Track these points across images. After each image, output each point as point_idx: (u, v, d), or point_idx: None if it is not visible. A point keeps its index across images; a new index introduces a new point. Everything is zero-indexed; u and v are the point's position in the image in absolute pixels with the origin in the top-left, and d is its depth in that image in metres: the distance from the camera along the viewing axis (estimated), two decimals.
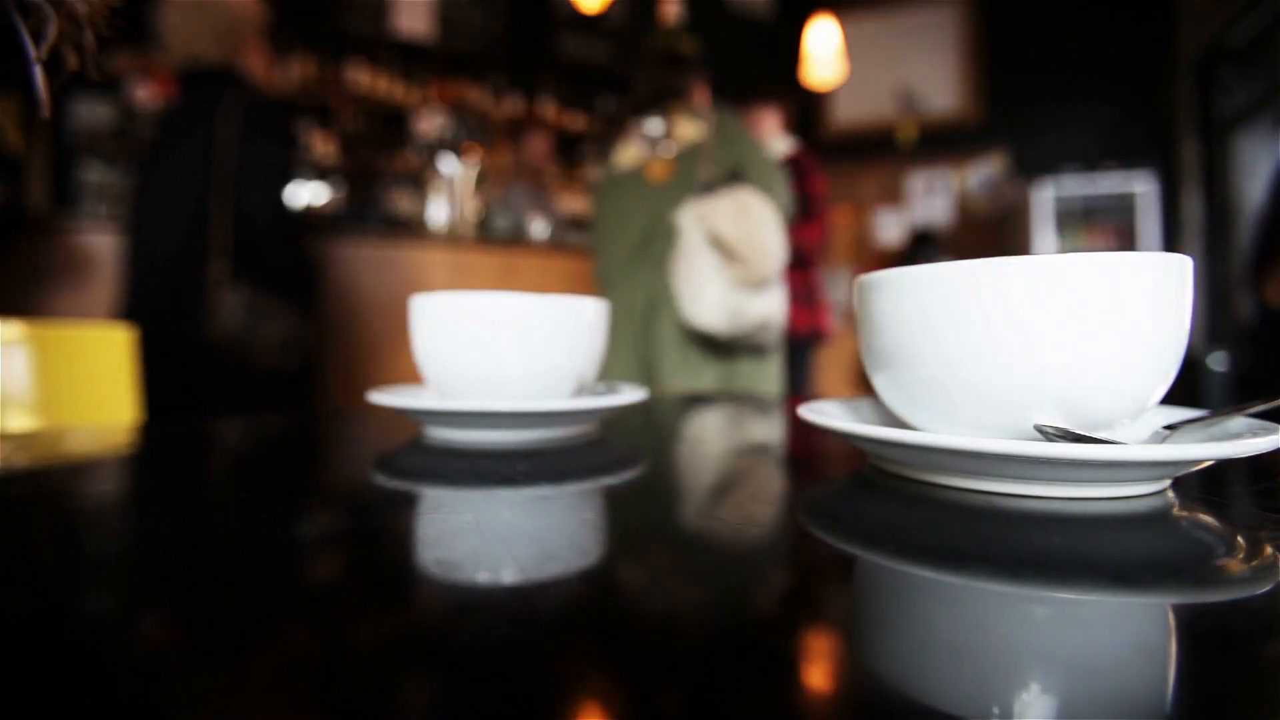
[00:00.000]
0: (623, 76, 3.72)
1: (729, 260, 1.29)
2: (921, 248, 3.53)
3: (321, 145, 3.12)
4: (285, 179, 1.42)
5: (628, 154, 1.42)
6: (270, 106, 1.40)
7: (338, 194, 3.09)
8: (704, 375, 1.39)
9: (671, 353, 1.37)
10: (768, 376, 1.46)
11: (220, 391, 1.34)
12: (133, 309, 1.32)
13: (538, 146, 2.84)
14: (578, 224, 3.11)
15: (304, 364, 1.46)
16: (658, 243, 1.39)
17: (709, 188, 1.37)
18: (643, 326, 1.39)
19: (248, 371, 1.33)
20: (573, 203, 3.28)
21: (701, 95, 1.48)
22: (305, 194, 2.86)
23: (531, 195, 2.69)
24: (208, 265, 1.28)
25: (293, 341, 1.37)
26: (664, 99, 1.44)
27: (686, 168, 1.39)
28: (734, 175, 1.37)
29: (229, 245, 1.30)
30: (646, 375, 1.40)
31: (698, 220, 1.32)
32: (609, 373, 1.38)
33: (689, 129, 1.40)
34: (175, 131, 1.36)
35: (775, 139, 1.90)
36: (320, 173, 3.10)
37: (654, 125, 1.40)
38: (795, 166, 1.81)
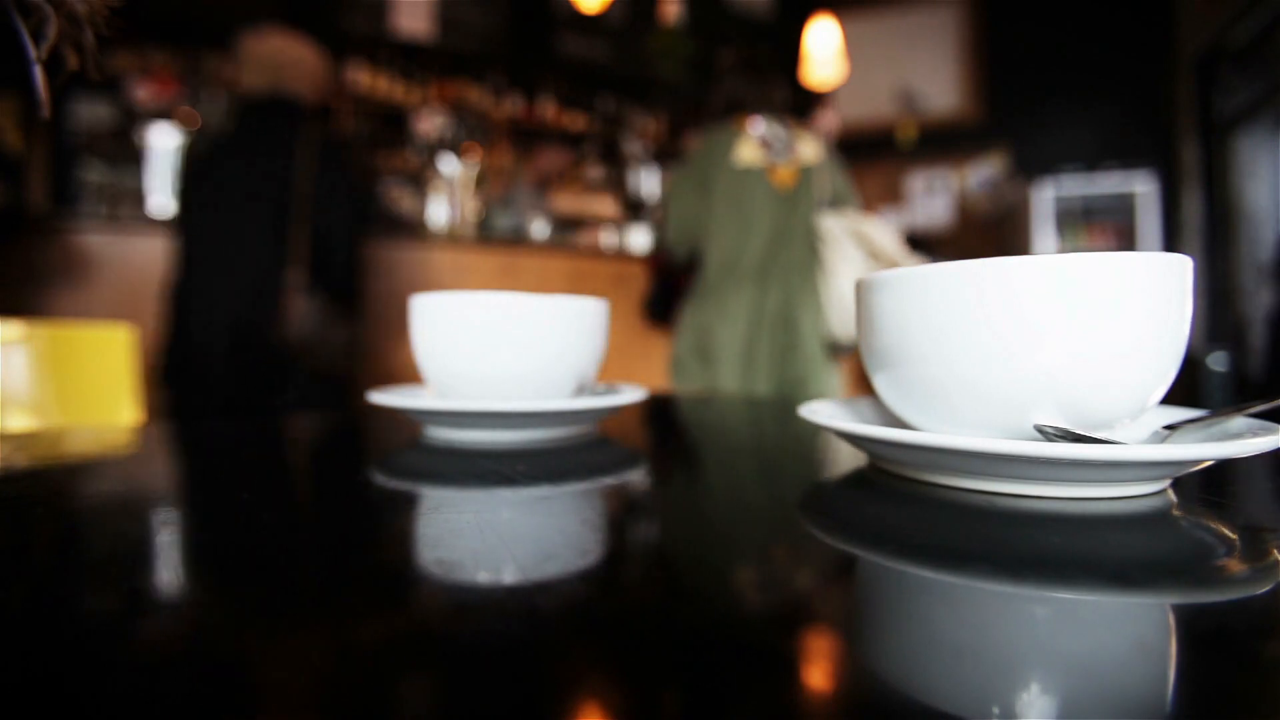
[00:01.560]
0: (623, 76, 3.72)
1: None
2: (913, 251, 3.51)
3: None
4: (358, 202, 1.63)
5: (747, 151, 1.42)
6: (340, 145, 1.61)
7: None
8: (833, 382, 1.42)
9: (815, 361, 1.40)
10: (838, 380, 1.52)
11: (285, 391, 1.46)
12: (201, 314, 1.43)
13: (553, 159, 2.84)
14: (577, 223, 3.10)
15: (356, 367, 1.61)
16: (788, 249, 1.40)
17: (835, 205, 1.44)
18: (777, 331, 1.40)
19: (315, 371, 1.47)
20: (574, 203, 3.27)
21: (781, 104, 1.50)
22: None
23: (534, 196, 2.69)
24: (285, 274, 1.42)
25: (352, 346, 1.52)
26: (737, 108, 1.47)
27: (807, 181, 1.42)
28: (838, 200, 1.44)
29: (308, 256, 1.44)
30: (780, 380, 1.40)
31: (853, 233, 1.36)
32: (725, 380, 1.38)
33: (809, 147, 1.44)
34: (248, 153, 1.49)
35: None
36: None
37: (777, 132, 1.42)
38: None
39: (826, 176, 1.45)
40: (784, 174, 1.41)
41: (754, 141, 1.41)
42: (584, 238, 3.05)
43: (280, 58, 1.51)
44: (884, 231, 1.37)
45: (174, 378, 1.44)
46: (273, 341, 1.41)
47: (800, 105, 2.25)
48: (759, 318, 1.39)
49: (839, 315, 1.38)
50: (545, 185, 2.85)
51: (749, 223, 1.40)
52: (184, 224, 1.49)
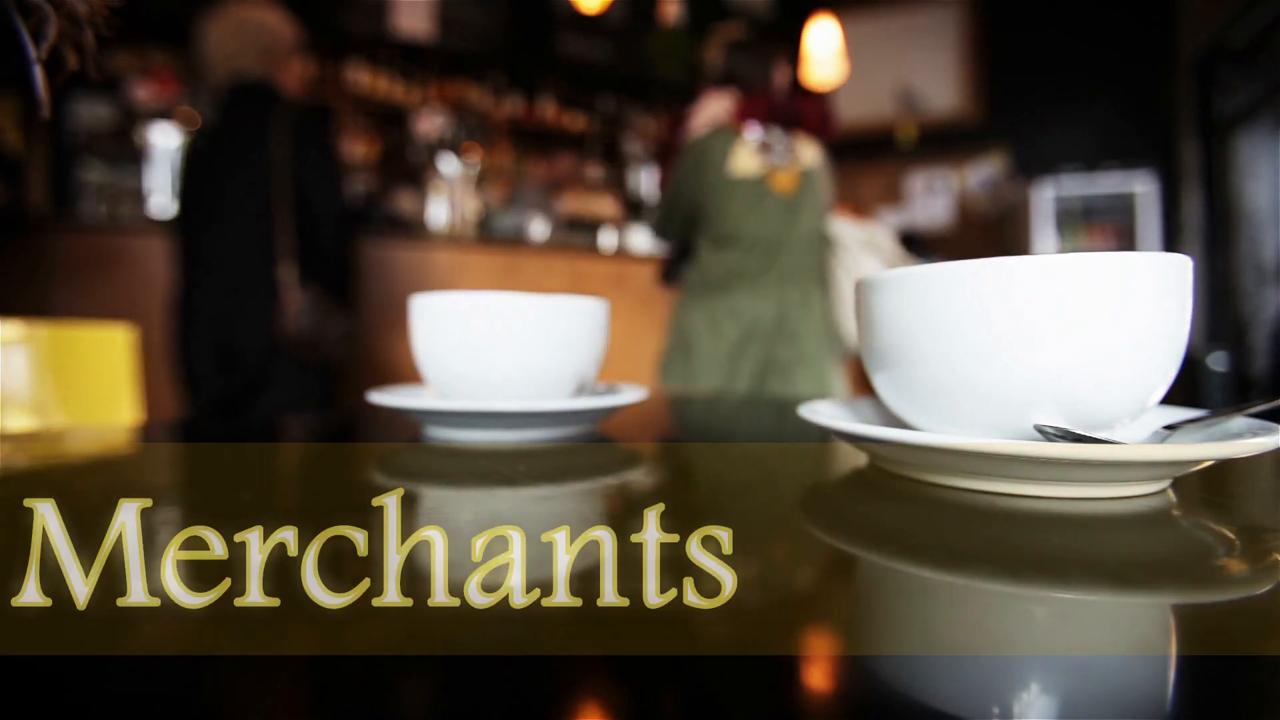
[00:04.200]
0: (623, 76, 3.72)
1: None
2: (909, 250, 3.52)
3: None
4: (341, 183, 1.55)
5: (744, 158, 1.38)
6: (315, 120, 1.50)
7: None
8: (835, 387, 1.40)
9: (812, 366, 1.38)
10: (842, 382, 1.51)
11: (276, 389, 1.44)
12: (200, 312, 1.41)
13: (566, 164, 2.85)
14: (591, 224, 3.10)
15: (353, 356, 1.58)
16: (786, 255, 1.38)
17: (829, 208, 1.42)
18: (773, 336, 1.37)
19: (313, 365, 1.45)
20: (577, 203, 3.27)
21: (782, 80, 1.47)
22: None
23: (541, 198, 2.70)
24: (277, 269, 1.39)
25: (349, 337, 1.49)
26: (734, 83, 1.44)
27: (809, 185, 1.39)
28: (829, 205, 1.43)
29: (294, 249, 1.41)
30: (759, 384, 1.38)
31: (863, 239, 1.35)
32: (703, 380, 1.37)
33: (809, 150, 1.42)
34: (227, 146, 1.45)
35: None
36: None
37: (777, 136, 1.40)
38: None
39: (827, 180, 1.43)
40: (784, 179, 1.38)
41: (751, 146, 1.39)
42: (595, 238, 3.04)
43: (237, 41, 1.45)
44: (887, 236, 1.37)
45: (182, 380, 1.44)
46: (270, 338, 1.39)
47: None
48: (751, 329, 1.36)
49: (853, 324, 1.37)
50: (556, 189, 2.86)
51: (744, 232, 1.38)
52: (177, 224, 1.48)
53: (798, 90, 1.49)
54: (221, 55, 1.46)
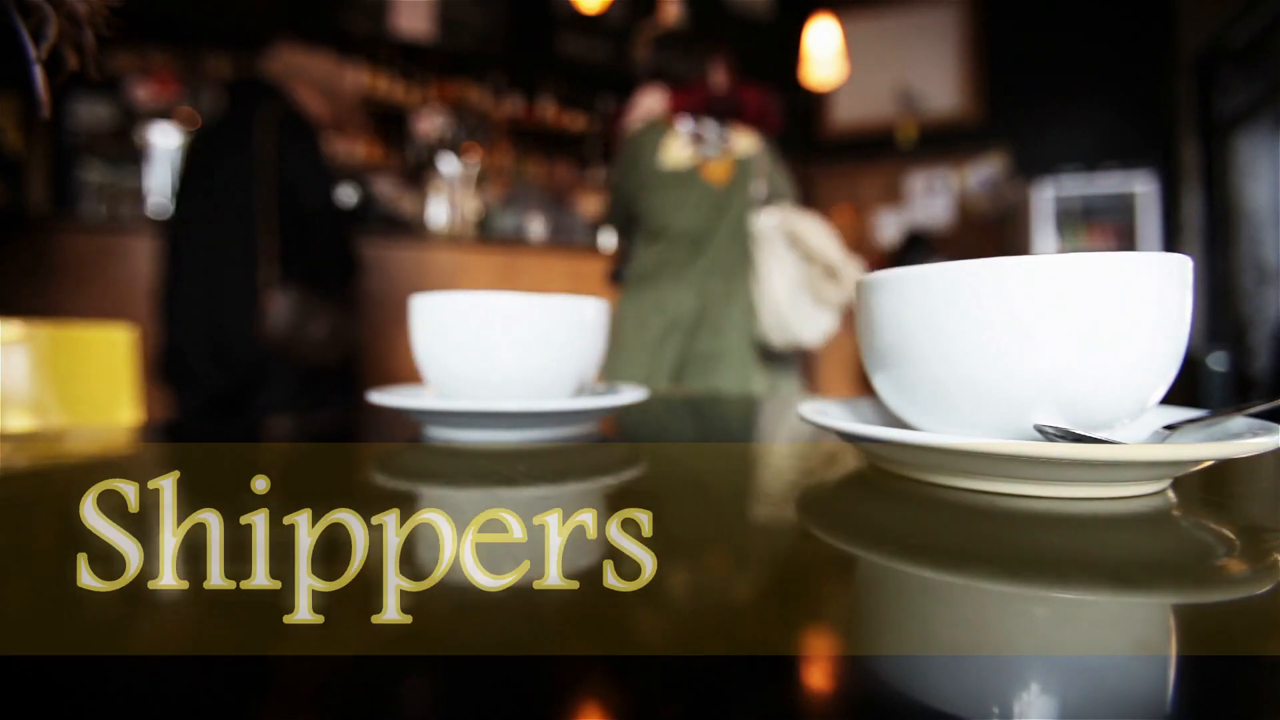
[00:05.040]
0: (623, 76, 3.72)
1: (825, 277, 1.27)
2: (914, 249, 3.53)
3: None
4: (330, 176, 1.52)
5: (674, 150, 1.37)
6: (303, 117, 1.49)
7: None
8: (757, 381, 1.37)
9: (734, 359, 1.35)
10: (793, 381, 1.47)
11: (269, 388, 1.43)
12: (184, 313, 1.40)
13: (564, 173, 2.86)
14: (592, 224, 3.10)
15: (346, 359, 1.56)
16: (713, 246, 1.35)
17: (770, 201, 1.38)
18: (694, 328, 1.35)
19: (294, 368, 1.43)
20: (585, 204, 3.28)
21: (719, 76, 1.45)
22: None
23: (542, 197, 2.70)
24: (259, 269, 1.37)
25: (335, 339, 1.46)
26: (662, 78, 1.43)
27: (742, 176, 1.37)
28: (774, 195, 1.39)
29: (277, 249, 1.39)
30: (677, 377, 1.36)
31: (783, 231, 1.31)
32: (627, 373, 1.35)
33: (744, 139, 1.39)
34: (217, 141, 1.44)
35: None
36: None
37: (710, 126, 1.38)
38: None
39: (764, 170, 1.39)
40: (717, 169, 1.36)
41: (683, 138, 1.37)
42: (595, 238, 3.04)
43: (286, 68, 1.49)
44: (818, 231, 1.31)
45: (167, 378, 1.43)
46: (253, 338, 1.37)
47: (801, 105, 2.25)
48: (673, 322, 1.35)
49: (772, 319, 1.32)
50: (564, 195, 2.87)
51: (670, 226, 1.37)
52: (167, 222, 1.47)
53: (741, 85, 1.47)
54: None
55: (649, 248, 1.41)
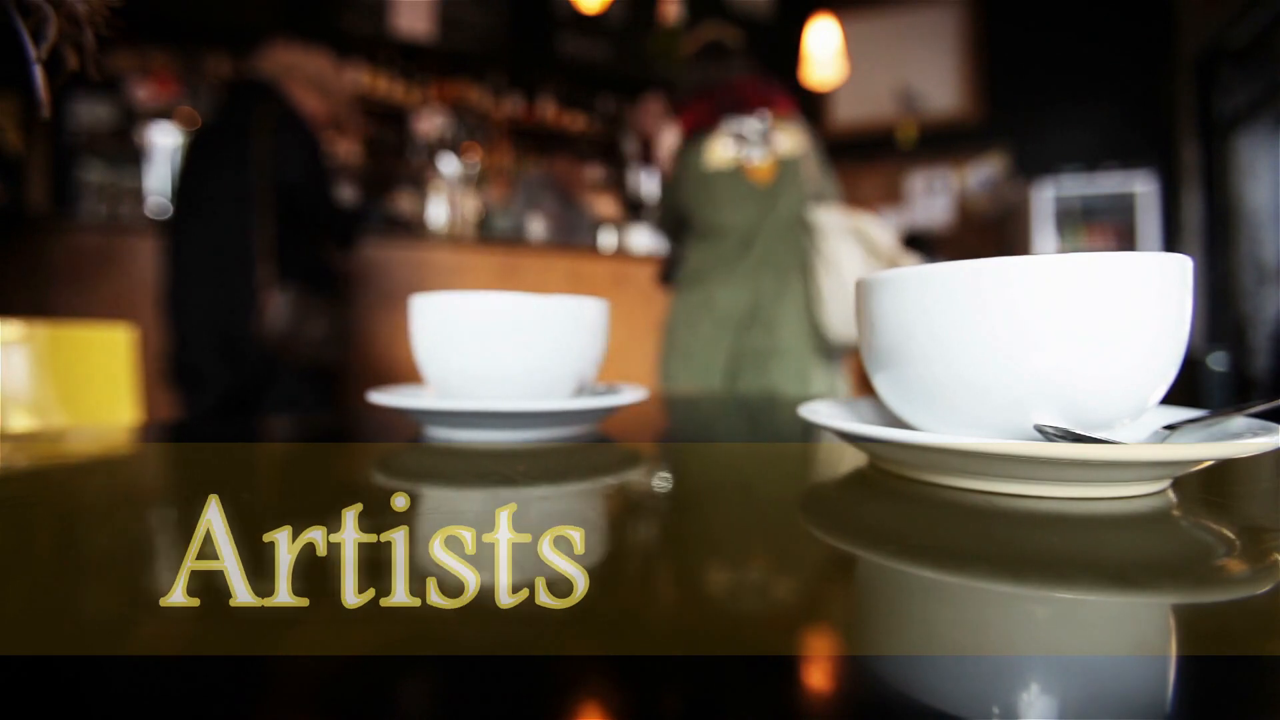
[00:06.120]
0: (623, 76, 3.72)
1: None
2: (914, 249, 3.52)
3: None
4: (327, 175, 1.53)
5: (718, 151, 1.38)
6: (300, 116, 1.49)
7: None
8: (817, 379, 1.36)
9: (790, 356, 1.34)
10: (841, 381, 1.48)
11: (269, 388, 1.43)
12: (189, 314, 1.41)
13: (564, 168, 2.85)
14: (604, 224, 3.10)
15: (343, 359, 1.55)
16: (762, 243, 1.35)
17: (819, 198, 1.38)
18: (746, 325, 1.35)
19: (293, 367, 1.43)
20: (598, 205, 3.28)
21: (753, 89, 1.46)
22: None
23: (547, 194, 2.69)
24: (257, 268, 1.37)
25: (333, 339, 1.46)
26: (709, 91, 1.43)
27: (789, 174, 1.37)
28: (820, 195, 1.39)
29: (274, 248, 1.39)
30: (732, 375, 1.36)
31: (852, 229, 1.31)
32: (681, 374, 1.35)
33: (788, 139, 1.39)
34: (215, 142, 1.44)
35: None
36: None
37: (753, 126, 1.38)
38: None
39: (810, 168, 1.40)
40: (761, 169, 1.37)
41: (725, 139, 1.37)
42: (595, 238, 3.04)
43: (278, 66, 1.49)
44: (882, 229, 1.34)
45: (176, 380, 1.44)
46: (253, 338, 1.38)
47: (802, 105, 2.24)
48: (725, 320, 1.35)
49: (840, 313, 1.32)
50: (570, 191, 2.86)
51: (718, 224, 1.37)
52: (167, 223, 1.47)
53: (767, 82, 1.49)
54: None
55: (697, 247, 1.42)
